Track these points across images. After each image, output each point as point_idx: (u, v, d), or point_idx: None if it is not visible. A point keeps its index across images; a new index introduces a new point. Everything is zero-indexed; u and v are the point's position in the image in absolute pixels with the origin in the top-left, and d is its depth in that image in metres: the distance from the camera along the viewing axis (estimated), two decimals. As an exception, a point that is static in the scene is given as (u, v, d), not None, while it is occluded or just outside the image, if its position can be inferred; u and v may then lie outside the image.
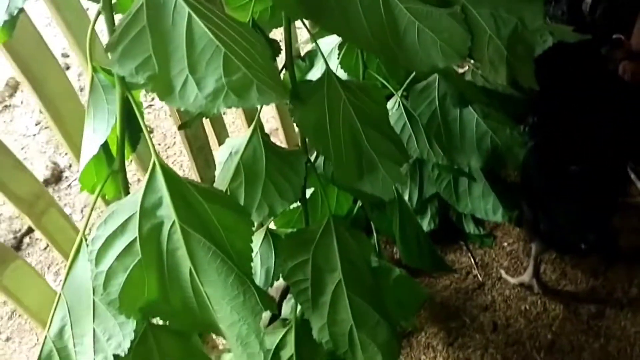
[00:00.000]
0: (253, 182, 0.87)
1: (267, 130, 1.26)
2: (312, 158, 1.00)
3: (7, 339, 1.80)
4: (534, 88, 0.85)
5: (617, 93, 1.10)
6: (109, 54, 0.56)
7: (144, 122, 0.69)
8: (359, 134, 0.85)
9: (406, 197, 1.56)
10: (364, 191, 0.87)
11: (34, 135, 2.35)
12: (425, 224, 1.64)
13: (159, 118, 2.27)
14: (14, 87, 2.61)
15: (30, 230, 2.01)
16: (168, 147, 2.15)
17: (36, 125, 2.42)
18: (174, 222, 0.66)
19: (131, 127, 0.76)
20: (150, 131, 2.13)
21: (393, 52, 0.78)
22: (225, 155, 0.94)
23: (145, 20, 0.57)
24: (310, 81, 0.87)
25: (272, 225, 1.18)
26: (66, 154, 2.31)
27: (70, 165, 2.25)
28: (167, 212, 0.66)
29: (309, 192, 1.11)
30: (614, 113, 1.12)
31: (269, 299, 0.69)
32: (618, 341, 1.42)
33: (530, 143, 1.21)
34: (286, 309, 1.37)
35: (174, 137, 2.17)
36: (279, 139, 1.64)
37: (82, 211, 2.08)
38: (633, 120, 1.12)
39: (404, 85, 1.30)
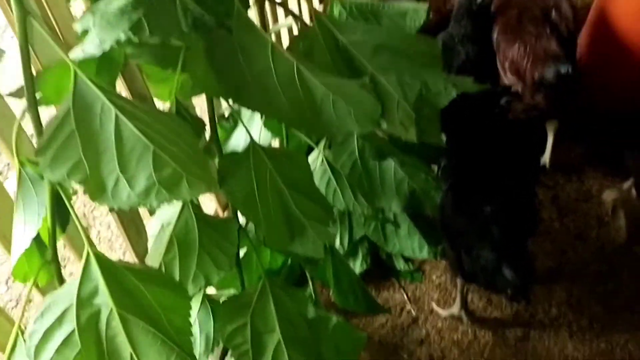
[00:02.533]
0: (187, 254, 0.89)
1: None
2: (243, 221, 1.03)
3: None
4: (440, 144, 0.93)
5: (516, 137, 1.21)
6: (39, 159, 0.58)
7: (75, 214, 0.70)
8: (287, 200, 0.90)
9: (337, 241, 1.62)
10: (296, 252, 0.92)
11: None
12: (358, 265, 1.70)
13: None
14: None
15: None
16: (94, 208, 2.11)
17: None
18: (111, 310, 0.68)
19: (60, 211, 0.77)
20: (74, 193, 2.08)
21: (311, 123, 0.84)
22: (156, 228, 0.96)
23: (74, 124, 0.59)
24: (236, 153, 0.91)
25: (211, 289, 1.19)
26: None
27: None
28: (104, 300, 0.68)
29: (242, 251, 1.14)
30: (514, 155, 1.24)
31: (212, 374, 0.71)
32: (544, 361, 1.52)
33: (444, 186, 1.30)
34: (229, 365, 1.38)
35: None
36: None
37: None
38: (532, 159, 1.24)
39: (325, 138, 1.37)
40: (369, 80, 0.89)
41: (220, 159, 0.89)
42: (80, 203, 2.05)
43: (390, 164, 1.36)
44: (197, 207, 0.93)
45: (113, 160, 0.59)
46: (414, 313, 1.67)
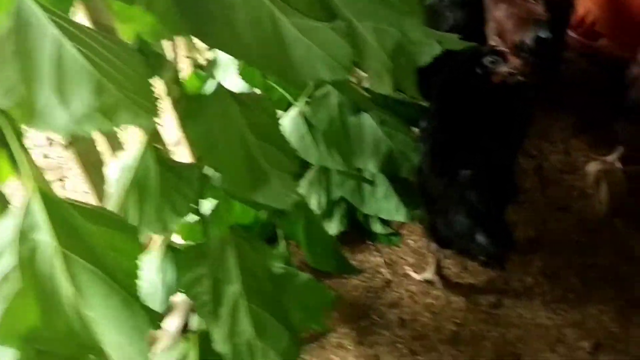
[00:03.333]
0: (146, 199, 0.86)
1: (170, 142, 1.24)
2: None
3: None
4: (416, 98, 0.89)
5: (499, 99, 1.17)
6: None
7: (21, 143, 0.66)
8: (251, 146, 0.86)
9: (314, 201, 1.59)
10: (259, 202, 0.88)
11: None
12: (335, 227, 1.67)
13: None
14: None
15: None
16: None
17: None
18: (54, 247, 0.64)
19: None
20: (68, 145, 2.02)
21: (279, 66, 0.79)
22: (117, 171, 0.92)
23: (13, 45, 0.55)
24: (202, 95, 0.87)
25: (180, 240, 1.16)
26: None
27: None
28: (47, 237, 0.64)
29: (213, 203, 1.11)
30: (497, 117, 1.20)
31: (155, 316, 0.69)
32: (516, 328, 1.51)
33: (423, 148, 1.27)
34: (195, 320, 1.36)
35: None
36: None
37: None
38: (515, 123, 1.20)
39: (304, 92, 1.32)
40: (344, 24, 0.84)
41: (185, 100, 0.85)
42: (55, 154, 2.00)
43: (370, 123, 1.32)
44: (159, 150, 0.89)
45: (51, 83, 0.54)
46: (388, 276, 1.65)
